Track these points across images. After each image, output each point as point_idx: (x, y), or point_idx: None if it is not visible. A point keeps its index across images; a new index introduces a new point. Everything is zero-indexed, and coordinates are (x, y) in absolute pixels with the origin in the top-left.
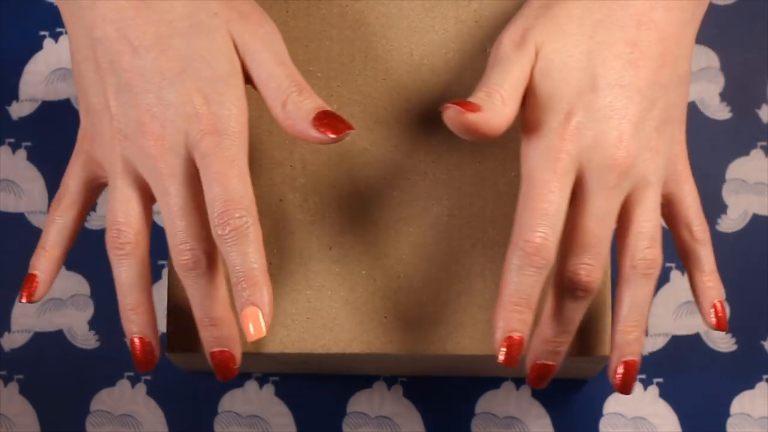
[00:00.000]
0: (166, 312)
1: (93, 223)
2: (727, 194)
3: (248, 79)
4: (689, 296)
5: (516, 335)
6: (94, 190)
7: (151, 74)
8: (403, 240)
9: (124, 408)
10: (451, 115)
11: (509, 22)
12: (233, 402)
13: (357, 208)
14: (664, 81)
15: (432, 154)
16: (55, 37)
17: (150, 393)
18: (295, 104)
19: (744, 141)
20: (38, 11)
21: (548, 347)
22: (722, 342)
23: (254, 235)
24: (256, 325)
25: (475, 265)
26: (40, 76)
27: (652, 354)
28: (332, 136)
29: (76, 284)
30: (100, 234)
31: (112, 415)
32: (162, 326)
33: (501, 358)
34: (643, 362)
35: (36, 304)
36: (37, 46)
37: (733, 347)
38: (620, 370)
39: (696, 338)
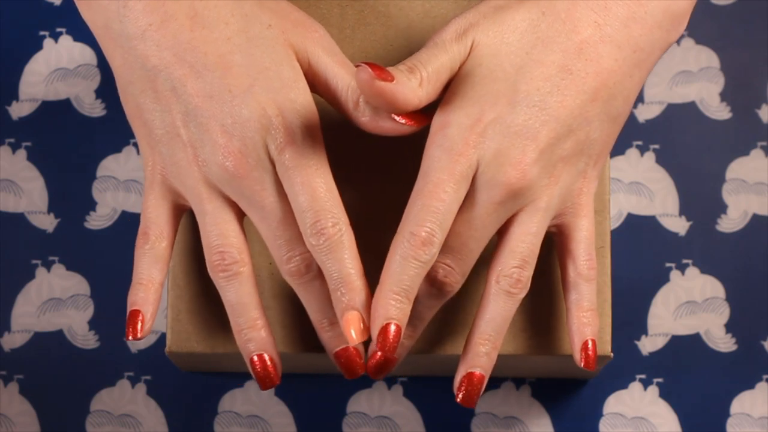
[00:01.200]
0: (166, 312)
1: (93, 223)
2: (727, 194)
3: (311, 85)
4: (689, 296)
5: (394, 323)
6: (177, 217)
7: (220, 94)
8: None
9: (124, 408)
10: (362, 76)
11: (461, 13)
12: (233, 402)
13: (357, 208)
14: (590, 115)
15: None
16: (55, 37)
17: (150, 393)
18: None
19: (744, 141)
20: (38, 11)
21: None
22: (722, 342)
23: (348, 241)
24: (357, 329)
25: (475, 265)
26: (40, 76)
27: (652, 354)
28: (414, 125)
29: (76, 284)
30: (101, 234)
31: (112, 415)
32: (162, 326)
33: (376, 343)
34: (643, 362)
35: (36, 304)
36: (37, 46)
37: (733, 347)
38: (465, 382)
39: (696, 338)
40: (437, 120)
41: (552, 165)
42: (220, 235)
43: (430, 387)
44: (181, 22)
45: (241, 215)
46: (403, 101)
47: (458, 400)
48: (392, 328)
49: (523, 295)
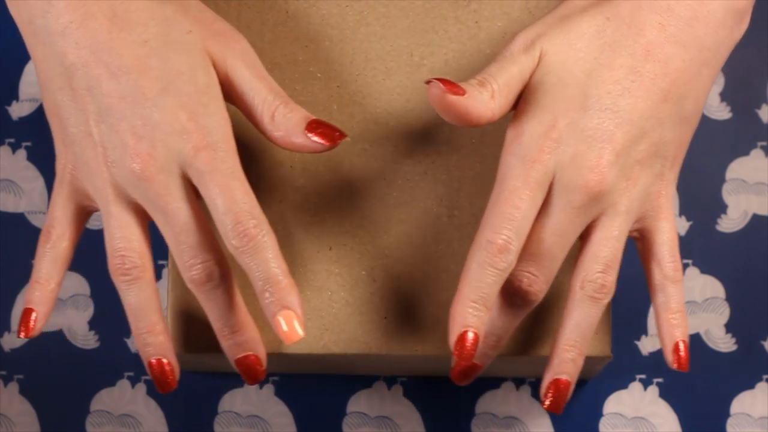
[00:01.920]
0: (166, 312)
1: (92, 223)
2: (727, 194)
3: (227, 96)
4: (689, 296)
5: (471, 331)
6: (83, 219)
7: (133, 96)
8: (403, 240)
9: (124, 408)
10: (434, 91)
11: (529, 25)
12: (233, 402)
13: (357, 208)
14: (662, 116)
15: (432, 154)
16: None
17: (150, 393)
18: (285, 116)
19: (744, 141)
20: None
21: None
22: (722, 342)
23: (271, 241)
24: (291, 327)
25: None
26: None
27: (652, 354)
28: (327, 143)
29: (76, 284)
30: (101, 234)
31: (112, 415)
32: None
33: (453, 350)
34: (643, 362)
35: None
36: None
37: (733, 347)
38: (551, 389)
39: (696, 338)
40: (511, 131)
41: (629, 167)
42: (124, 238)
43: (430, 387)
44: (101, 21)
45: (147, 220)
46: (477, 115)
47: (545, 406)
48: (470, 335)
49: (607, 300)
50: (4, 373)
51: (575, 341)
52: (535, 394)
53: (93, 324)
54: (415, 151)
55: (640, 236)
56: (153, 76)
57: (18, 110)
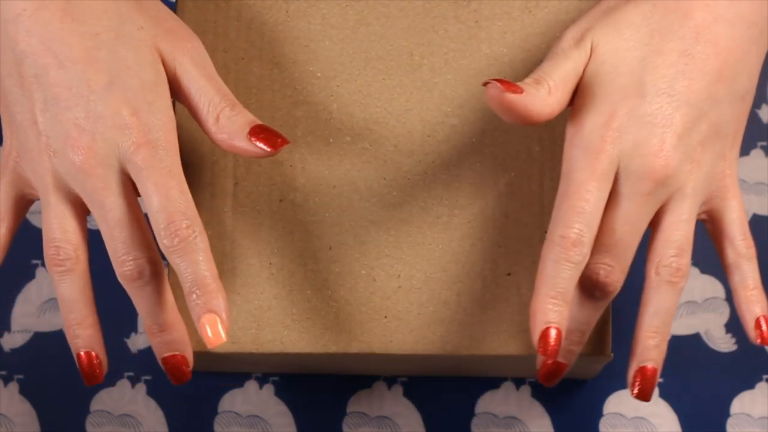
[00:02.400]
0: None
1: (93, 223)
2: None
3: (175, 94)
4: (689, 296)
5: (553, 327)
6: (23, 206)
7: (78, 87)
8: (403, 240)
9: (124, 408)
10: (492, 92)
11: (575, 21)
12: (233, 402)
13: (357, 208)
14: (718, 96)
15: (432, 154)
16: None
17: (150, 393)
18: (229, 119)
19: (744, 141)
20: None
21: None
22: (722, 342)
23: (202, 243)
24: (214, 331)
25: (475, 265)
26: None
27: None
28: (268, 149)
29: None
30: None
31: (112, 415)
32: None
33: (537, 348)
34: None
35: (36, 304)
36: None
37: (733, 347)
38: (638, 377)
39: (696, 338)
40: (571, 125)
41: (691, 149)
42: (60, 229)
43: (430, 387)
44: (53, 12)
45: (85, 212)
46: (536, 112)
47: (634, 395)
48: (552, 332)
49: (684, 283)
50: (4, 373)
51: (657, 327)
52: (536, 394)
53: None
54: (415, 151)
55: (708, 218)
56: (100, 69)
57: None
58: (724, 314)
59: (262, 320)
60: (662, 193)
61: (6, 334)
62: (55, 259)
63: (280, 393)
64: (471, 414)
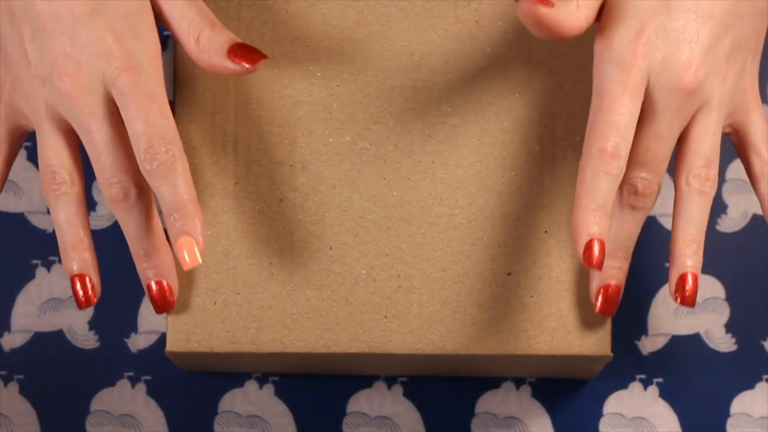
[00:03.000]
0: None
1: (93, 223)
2: (727, 194)
3: (159, 19)
4: None
5: (596, 239)
6: (19, 138)
7: (63, 16)
8: (403, 240)
9: (124, 408)
10: (524, 6)
11: None
12: (233, 402)
13: (357, 208)
14: (741, 11)
15: (432, 154)
16: None
17: (150, 393)
18: (209, 38)
19: None
20: None
21: (608, 264)
22: (722, 342)
23: (182, 167)
24: (191, 253)
25: (475, 265)
26: None
27: (652, 354)
28: (247, 66)
29: None
30: (101, 234)
31: (112, 415)
32: (162, 326)
33: (583, 261)
34: (643, 362)
35: (36, 304)
36: None
37: (733, 347)
38: (680, 286)
39: (696, 338)
40: (600, 41)
41: (717, 63)
42: (55, 155)
43: (430, 387)
44: None
45: (77, 141)
46: (568, 27)
47: (679, 302)
48: (596, 244)
49: (713, 193)
50: (4, 373)
51: (692, 235)
52: (536, 394)
53: (93, 324)
54: (415, 151)
55: (733, 131)
56: None
57: None
58: (724, 314)
59: (262, 320)
60: (691, 107)
61: (6, 334)
62: (51, 183)
63: (280, 393)
64: (471, 414)
